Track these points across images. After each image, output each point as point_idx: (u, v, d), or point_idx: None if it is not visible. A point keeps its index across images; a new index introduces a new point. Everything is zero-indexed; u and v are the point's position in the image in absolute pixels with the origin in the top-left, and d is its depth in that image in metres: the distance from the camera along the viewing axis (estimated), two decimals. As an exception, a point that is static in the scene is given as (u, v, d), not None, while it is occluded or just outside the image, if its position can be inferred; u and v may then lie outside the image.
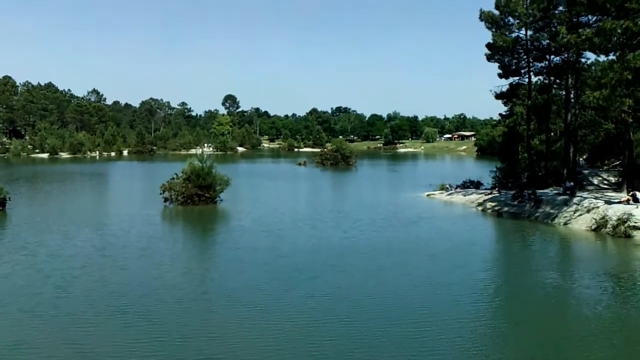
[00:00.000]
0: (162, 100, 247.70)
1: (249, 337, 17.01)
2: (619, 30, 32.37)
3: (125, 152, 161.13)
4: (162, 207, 46.38)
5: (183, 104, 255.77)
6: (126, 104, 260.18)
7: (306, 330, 17.73)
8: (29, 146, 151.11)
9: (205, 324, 18.21)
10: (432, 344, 16.57)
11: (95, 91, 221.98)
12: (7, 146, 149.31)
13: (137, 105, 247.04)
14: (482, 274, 26.03)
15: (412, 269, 26.17)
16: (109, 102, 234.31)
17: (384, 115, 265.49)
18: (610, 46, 36.84)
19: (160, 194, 47.41)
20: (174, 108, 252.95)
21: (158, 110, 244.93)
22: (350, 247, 31.22)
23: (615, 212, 36.75)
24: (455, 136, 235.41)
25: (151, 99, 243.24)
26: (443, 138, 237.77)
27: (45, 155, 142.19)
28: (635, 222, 34.87)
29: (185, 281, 23.70)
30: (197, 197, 46.86)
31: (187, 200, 46.81)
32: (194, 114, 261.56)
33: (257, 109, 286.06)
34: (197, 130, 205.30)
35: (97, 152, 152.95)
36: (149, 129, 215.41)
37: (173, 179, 48.38)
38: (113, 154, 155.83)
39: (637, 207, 36.65)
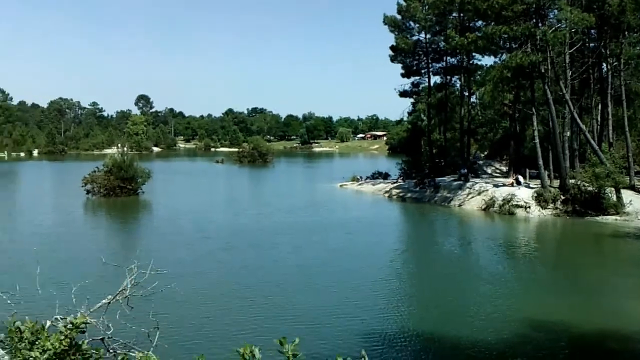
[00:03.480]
0: (71, 99, 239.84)
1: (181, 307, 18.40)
2: (499, 34, 37.37)
3: (35, 153, 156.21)
4: (85, 199, 47.60)
5: (94, 103, 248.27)
6: (33, 104, 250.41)
7: (237, 296, 19.99)
8: None
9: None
10: (352, 295, 19.71)
11: (0, 90, 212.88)
12: None
13: (45, 105, 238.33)
14: (393, 245, 30.39)
15: (332, 244, 29.64)
16: (15, 101, 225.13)
17: (300, 116, 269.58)
18: (494, 48, 42.09)
19: (83, 186, 48.55)
20: (85, 108, 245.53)
21: (67, 110, 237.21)
22: (273, 229, 34.20)
23: (501, 193, 42.12)
24: (368, 136, 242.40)
25: (60, 98, 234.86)
26: (357, 138, 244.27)
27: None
28: (517, 202, 40.28)
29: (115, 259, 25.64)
30: (120, 188, 48.46)
31: (109, 192, 48.30)
32: (105, 114, 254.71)
33: (172, 110, 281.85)
34: (110, 130, 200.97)
35: (6, 153, 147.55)
36: (59, 129, 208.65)
37: (95, 171, 49.66)
38: (22, 154, 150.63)
39: (519, 188, 42.21)
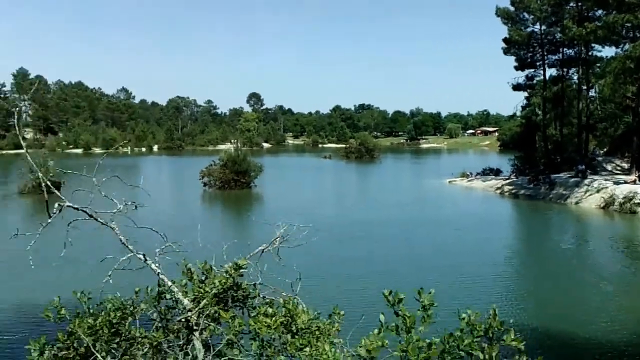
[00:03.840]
0: (188, 98, 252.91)
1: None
2: (621, 23, 35.43)
3: (155, 148, 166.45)
4: (202, 191, 50.38)
5: (209, 101, 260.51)
6: (153, 102, 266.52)
7: (351, 281, 21.42)
8: (64, 142, 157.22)
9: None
10: (463, 291, 19.46)
11: (124, 89, 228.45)
12: (42, 142, 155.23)
13: (164, 104, 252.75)
14: (505, 242, 29.76)
15: (440, 240, 29.63)
16: (137, 100, 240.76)
17: (407, 112, 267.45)
18: (616, 38, 39.92)
19: (200, 179, 51.46)
20: (200, 106, 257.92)
21: (184, 107, 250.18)
22: (381, 224, 34.44)
23: (622, 191, 39.99)
24: (479, 132, 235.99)
25: (178, 97, 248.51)
26: (466, 134, 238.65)
27: (79, 151, 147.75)
28: (640, 200, 38.05)
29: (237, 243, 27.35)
30: (234, 181, 50.86)
31: (224, 184, 50.83)
32: (219, 111, 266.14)
33: (281, 107, 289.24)
34: (223, 126, 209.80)
35: (129, 148, 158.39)
36: (177, 126, 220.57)
37: (211, 165, 52.44)
38: (143, 149, 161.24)
39: (642, 186, 39.84)
